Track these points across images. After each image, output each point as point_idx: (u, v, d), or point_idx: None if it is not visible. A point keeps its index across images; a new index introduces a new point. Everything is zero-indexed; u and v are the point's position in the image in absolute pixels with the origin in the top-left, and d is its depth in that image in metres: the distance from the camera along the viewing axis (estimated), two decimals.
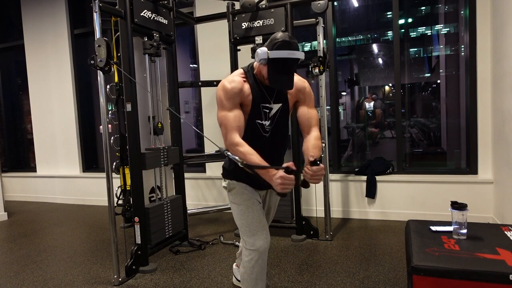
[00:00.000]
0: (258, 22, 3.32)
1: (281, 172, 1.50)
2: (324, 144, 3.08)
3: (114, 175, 3.07)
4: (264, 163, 1.58)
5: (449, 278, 1.50)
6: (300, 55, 1.63)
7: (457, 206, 1.81)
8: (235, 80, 1.70)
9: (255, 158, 1.59)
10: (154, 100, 3.15)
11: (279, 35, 1.62)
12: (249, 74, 1.75)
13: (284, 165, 1.52)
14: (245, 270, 1.81)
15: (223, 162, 1.96)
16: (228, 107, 1.67)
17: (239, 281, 2.45)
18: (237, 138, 1.64)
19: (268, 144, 1.80)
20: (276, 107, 1.78)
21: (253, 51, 3.36)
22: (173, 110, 2.07)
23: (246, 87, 1.72)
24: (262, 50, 1.61)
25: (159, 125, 3.10)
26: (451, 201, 1.85)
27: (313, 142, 1.74)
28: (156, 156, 3.02)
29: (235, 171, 1.83)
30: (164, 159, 3.12)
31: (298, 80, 1.84)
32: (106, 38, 2.49)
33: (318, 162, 1.54)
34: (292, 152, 3.38)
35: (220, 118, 1.68)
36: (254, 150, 1.69)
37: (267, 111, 1.76)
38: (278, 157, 1.89)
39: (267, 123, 1.77)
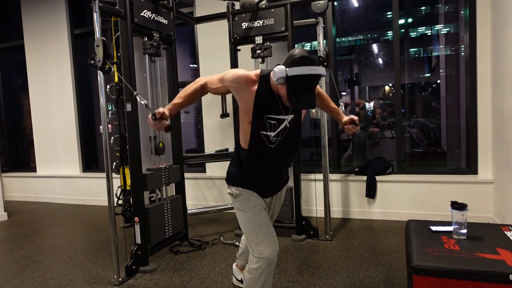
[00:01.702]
0: (258, 22, 3.33)
1: (149, 117, 1.75)
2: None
3: (114, 175, 3.08)
4: (170, 105, 1.79)
5: (449, 278, 1.50)
6: (321, 70, 1.53)
7: (457, 206, 1.81)
8: (245, 75, 1.65)
9: (174, 99, 1.81)
10: (154, 100, 3.16)
11: (296, 51, 1.53)
12: (264, 80, 1.65)
13: (156, 111, 1.74)
14: (252, 276, 1.77)
15: (223, 163, 1.96)
16: (221, 80, 1.73)
17: (239, 281, 2.45)
18: (197, 83, 1.78)
19: (273, 155, 1.76)
20: (288, 118, 1.72)
21: (253, 51, 3.36)
22: (140, 97, 2.22)
23: (252, 89, 1.65)
24: (280, 69, 1.50)
25: (160, 145, 3.11)
26: (451, 201, 1.85)
27: (335, 106, 2.01)
28: (157, 177, 3.04)
29: (241, 178, 1.83)
30: (166, 179, 3.14)
31: None
32: (103, 38, 2.49)
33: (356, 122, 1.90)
34: None
35: (210, 76, 1.79)
36: (259, 160, 1.74)
37: (274, 122, 1.70)
38: (285, 166, 1.88)
39: (272, 134, 1.71)
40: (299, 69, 1.49)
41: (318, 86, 1.85)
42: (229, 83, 1.69)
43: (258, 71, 1.69)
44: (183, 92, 1.80)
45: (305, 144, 4.57)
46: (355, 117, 1.90)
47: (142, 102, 2.13)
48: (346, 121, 1.91)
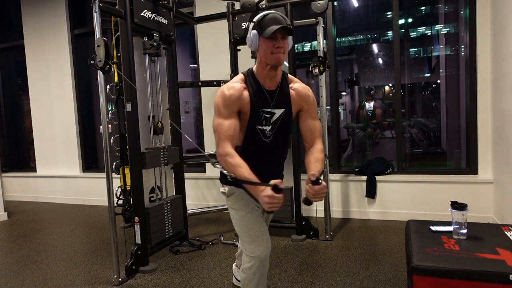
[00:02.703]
0: None
1: (269, 191, 1.45)
2: (326, 157, 3.05)
3: (114, 175, 3.07)
4: (253, 178, 1.51)
5: (449, 278, 1.50)
6: (281, 14, 1.63)
7: (457, 206, 1.81)
8: (234, 87, 1.66)
9: (244, 171, 1.54)
10: (154, 100, 3.15)
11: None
12: (249, 78, 1.71)
13: (272, 182, 1.46)
14: (246, 276, 1.78)
15: (221, 167, 1.93)
16: (225, 115, 1.63)
17: (239, 281, 2.45)
18: (228, 148, 1.60)
19: (269, 150, 1.77)
20: (278, 112, 1.74)
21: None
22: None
23: (246, 94, 1.68)
24: (250, 31, 1.64)
25: (159, 124, 3.10)
26: (451, 201, 1.85)
27: (315, 155, 1.70)
28: (156, 156, 3.02)
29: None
30: (164, 159, 3.12)
31: (302, 88, 1.78)
32: (105, 38, 2.49)
33: (320, 181, 1.49)
34: (292, 154, 3.38)
35: (215, 126, 1.65)
36: (255, 156, 1.71)
37: (268, 116, 1.72)
38: (279, 163, 1.88)
39: (267, 128, 1.73)
40: (262, 13, 1.63)
41: (312, 120, 1.79)
42: (227, 109, 1.63)
43: (240, 76, 1.73)
44: (238, 167, 1.56)
45: None
46: (324, 188, 1.49)
47: (226, 173, 1.67)
48: (312, 186, 1.50)
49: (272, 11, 1.64)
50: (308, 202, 1.56)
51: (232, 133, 1.62)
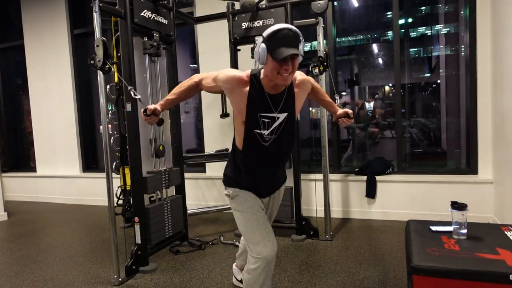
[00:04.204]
0: (258, 22, 3.32)
1: (141, 112, 1.79)
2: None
3: (114, 175, 3.08)
4: (164, 104, 1.83)
5: (449, 278, 1.50)
6: (293, 28, 1.55)
7: (457, 206, 1.81)
8: (235, 75, 1.66)
9: (168, 95, 1.85)
10: (154, 100, 3.15)
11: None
12: (254, 79, 1.67)
13: (148, 107, 1.79)
14: (251, 277, 1.77)
15: (223, 163, 1.95)
16: (212, 79, 1.73)
17: (239, 281, 2.45)
18: (195, 79, 1.80)
19: (268, 153, 1.76)
20: (281, 116, 1.71)
21: (253, 51, 3.35)
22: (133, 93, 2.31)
23: (245, 90, 1.66)
24: (257, 44, 1.60)
25: (161, 147, 3.11)
26: (451, 201, 1.85)
27: (328, 100, 2.03)
28: (157, 180, 3.04)
29: (238, 178, 1.83)
30: (166, 182, 3.14)
31: (303, 80, 1.78)
32: (103, 38, 2.49)
33: (351, 116, 1.94)
34: (292, 154, 3.38)
35: (208, 73, 1.79)
36: (254, 159, 1.75)
37: (267, 120, 1.70)
38: (278, 167, 1.87)
39: (266, 132, 1.71)
40: (273, 27, 1.57)
41: (313, 81, 1.88)
42: (221, 83, 1.69)
43: (249, 71, 1.70)
44: (178, 88, 1.82)
45: (305, 144, 4.57)
46: (349, 110, 1.93)
47: (136, 97, 2.23)
48: (340, 114, 1.95)
49: (284, 25, 1.56)
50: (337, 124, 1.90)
51: (208, 85, 1.77)
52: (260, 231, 1.75)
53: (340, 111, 1.96)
